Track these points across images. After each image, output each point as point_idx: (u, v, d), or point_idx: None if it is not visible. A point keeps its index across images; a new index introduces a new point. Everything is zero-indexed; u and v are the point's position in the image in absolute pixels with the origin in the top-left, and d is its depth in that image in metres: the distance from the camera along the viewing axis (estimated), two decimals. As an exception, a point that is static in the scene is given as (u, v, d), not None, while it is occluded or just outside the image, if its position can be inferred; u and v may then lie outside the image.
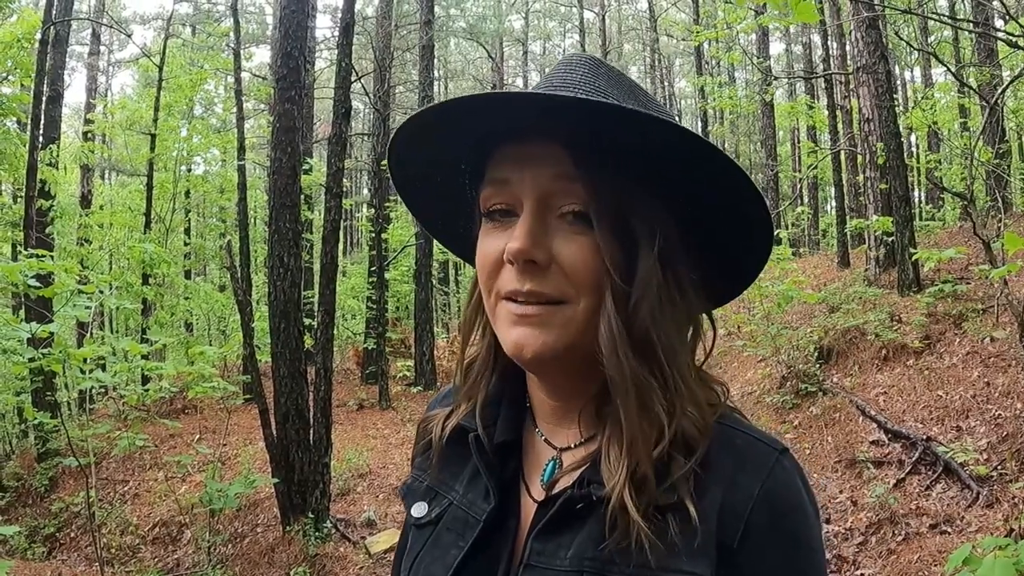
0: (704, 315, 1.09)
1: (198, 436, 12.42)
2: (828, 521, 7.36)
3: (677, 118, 1.16)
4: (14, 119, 14.16)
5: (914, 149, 28.18)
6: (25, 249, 10.31)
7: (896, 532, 6.86)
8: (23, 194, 14.00)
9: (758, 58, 21.15)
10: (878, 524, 7.03)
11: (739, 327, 12.86)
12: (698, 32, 19.48)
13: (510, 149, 1.01)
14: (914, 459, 7.87)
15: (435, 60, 21.91)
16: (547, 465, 1.09)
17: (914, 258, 10.90)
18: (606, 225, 0.96)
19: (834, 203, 23.88)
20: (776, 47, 32.69)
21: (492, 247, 1.02)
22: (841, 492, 7.85)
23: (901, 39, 15.24)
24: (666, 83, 40.39)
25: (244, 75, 21.44)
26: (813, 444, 9.00)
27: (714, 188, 1.00)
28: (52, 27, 13.98)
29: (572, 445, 1.08)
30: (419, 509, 1.16)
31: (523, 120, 0.99)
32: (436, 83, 25.88)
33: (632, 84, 1.07)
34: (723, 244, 1.08)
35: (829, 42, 21.37)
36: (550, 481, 1.06)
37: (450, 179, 1.12)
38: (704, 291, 1.06)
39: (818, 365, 10.63)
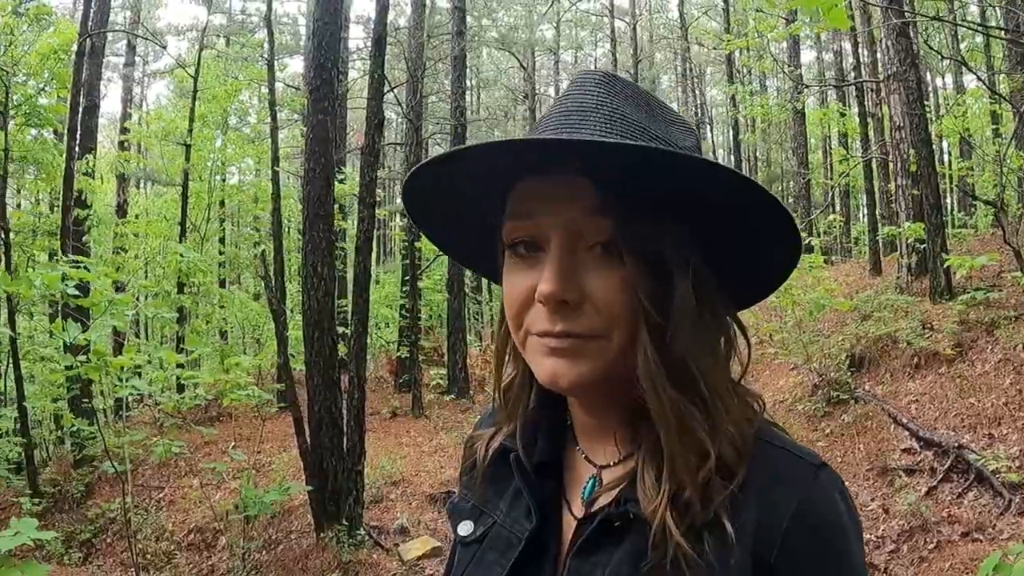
0: (736, 328, 1.06)
1: (233, 443, 12.43)
2: (860, 529, 7.34)
3: (695, 126, 1.15)
4: (51, 129, 14.36)
5: (946, 156, 27.98)
6: (63, 255, 10.42)
7: (928, 540, 6.85)
8: (60, 203, 14.22)
9: (789, 66, 21.10)
10: (910, 532, 7.02)
11: (771, 335, 12.81)
12: (729, 41, 19.56)
13: (533, 183, 0.99)
14: (946, 467, 7.84)
15: (467, 70, 21.95)
16: (587, 483, 1.08)
17: (946, 265, 10.82)
18: (637, 258, 0.94)
19: (866, 211, 23.69)
20: (807, 55, 32.44)
21: (520, 285, 1.01)
22: (873, 500, 7.83)
23: (931, 48, 15.13)
24: (697, 92, 40.38)
25: (278, 86, 21.55)
26: (845, 452, 8.98)
27: (742, 214, 0.98)
28: (88, 39, 14.17)
29: (611, 463, 1.07)
30: (465, 528, 1.16)
31: (542, 161, 0.97)
32: (468, 93, 25.88)
33: (648, 98, 1.04)
34: (747, 263, 1.06)
35: (860, 50, 21.19)
36: (590, 498, 1.06)
37: (470, 212, 1.11)
38: (730, 299, 1.06)
39: (850, 373, 10.59)
